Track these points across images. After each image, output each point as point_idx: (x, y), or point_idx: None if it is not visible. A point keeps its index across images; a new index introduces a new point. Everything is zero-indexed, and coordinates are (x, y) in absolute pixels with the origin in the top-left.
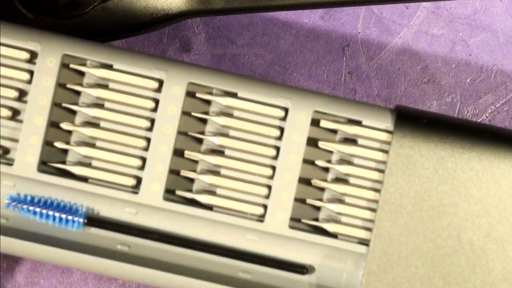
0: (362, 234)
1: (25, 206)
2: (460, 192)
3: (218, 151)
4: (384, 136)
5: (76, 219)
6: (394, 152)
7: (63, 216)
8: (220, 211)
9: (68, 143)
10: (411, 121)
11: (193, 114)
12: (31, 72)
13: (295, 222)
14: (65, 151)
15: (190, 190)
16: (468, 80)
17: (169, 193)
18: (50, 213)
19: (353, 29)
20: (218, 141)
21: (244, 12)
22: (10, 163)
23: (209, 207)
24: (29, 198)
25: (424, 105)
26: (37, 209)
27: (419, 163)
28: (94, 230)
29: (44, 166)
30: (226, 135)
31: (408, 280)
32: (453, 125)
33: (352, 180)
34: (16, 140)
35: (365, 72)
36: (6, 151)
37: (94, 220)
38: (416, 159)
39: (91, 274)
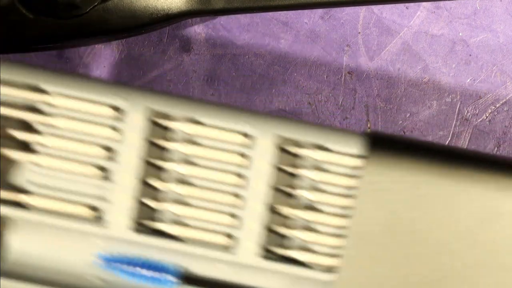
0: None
1: (116, 265)
2: (433, 218)
3: (312, 207)
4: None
5: (169, 277)
6: (366, 178)
7: (156, 275)
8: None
9: (159, 201)
10: (384, 147)
11: (284, 168)
12: (118, 129)
13: (265, 251)
14: (157, 210)
15: (285, 247)
16: (468, 80)
17: (265, 251)
18: (143, 272)
19: (353, 29)
20: (312, 196)
21: (244, 12)
22: (101, 223)
23: (303, 264)
24: (120, 257)
25: (424, 105)
26: (129, 268)
27: (391, 189)
28: None
29: (137, 225)
30: (320, 190)
31: None
32: (427, 150)
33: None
34: (106, 200)
35: (365, 72)
36: (97, 210)
37: (187, 279)
38: (388, 185)
39: None
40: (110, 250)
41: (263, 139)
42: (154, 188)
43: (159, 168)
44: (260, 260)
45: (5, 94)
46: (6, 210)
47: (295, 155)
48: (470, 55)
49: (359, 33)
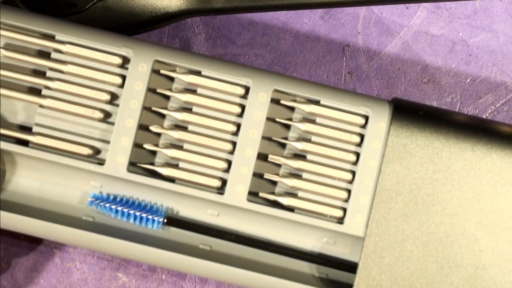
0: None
1: (107, 205)
2: (454, 181)
3: (300, 156)
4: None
5: (156, 218)
6: (392, 142)
7: (144, 215)
8: (301, 213)
9: (156, 145)
10: (408, 112)
11: (277, 120)
12: (123, 77)
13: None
14: (154, 153)
15: (272, 193)
16: (468, 80)
17: (253, 195)
18: (131, 212)
19: (353, 29)
20: (301, 146)
21: (244, 12)
22: (101, 163)
23: (290, 209)
24: (111, 197)
25: None
26: (119, 208)
27: (415, 152)
28: (175, 231)
29: (133, 166)
30: (308, 140)
31: (403, 264)
32: (448, 117)
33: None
34: (107, 141)
35: (365, 72)
36: (98, 151)
37: (173, 220)
38: (412, 148)
39: (90, 274)
40: (104, 191)
41: (262, 92)
42: (152, 132)
43: (159, 114)
44: (246, 203)
45: (18, 39)
46: (11, 146)
47: (288, 108)
48: (470, 55)
49: (359, 33)
